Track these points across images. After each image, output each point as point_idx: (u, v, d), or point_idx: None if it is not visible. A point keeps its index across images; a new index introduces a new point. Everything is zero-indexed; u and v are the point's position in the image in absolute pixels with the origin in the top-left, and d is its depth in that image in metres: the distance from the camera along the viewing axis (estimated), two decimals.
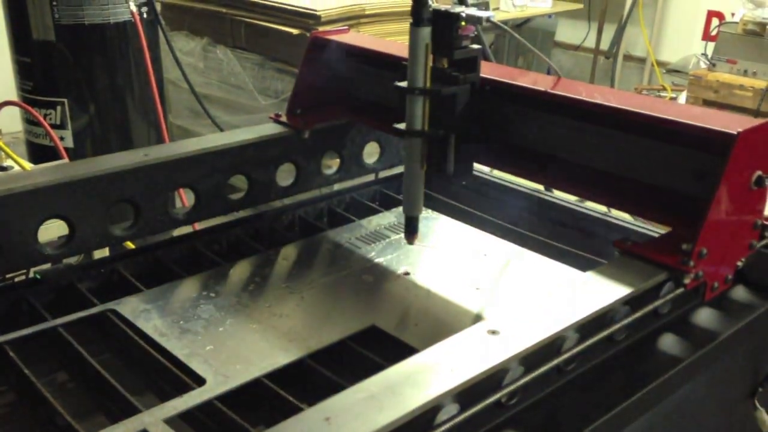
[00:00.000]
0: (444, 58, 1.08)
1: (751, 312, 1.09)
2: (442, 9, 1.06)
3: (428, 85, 1.07)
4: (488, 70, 1.20)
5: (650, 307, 0.96)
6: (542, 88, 1.15)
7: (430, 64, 1.07)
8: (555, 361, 0.85)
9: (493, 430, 0.82)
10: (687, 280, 0.97)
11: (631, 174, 1.12)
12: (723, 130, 0.96)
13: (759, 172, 1.00)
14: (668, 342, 1.01)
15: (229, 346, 1.01)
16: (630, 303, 0.93)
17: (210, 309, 1.10)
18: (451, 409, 0.75)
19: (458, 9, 1.06)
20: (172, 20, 3.63)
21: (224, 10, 3.41)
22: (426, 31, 1.05)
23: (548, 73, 1.21)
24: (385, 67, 1.34)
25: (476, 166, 1.44)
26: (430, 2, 1.05)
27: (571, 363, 0.89)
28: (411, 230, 1.18)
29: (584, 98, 1.10)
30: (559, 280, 1.20)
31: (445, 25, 1.06)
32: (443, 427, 0.74)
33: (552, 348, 0.85)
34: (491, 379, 0.78)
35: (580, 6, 5.33)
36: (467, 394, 0.76)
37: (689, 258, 0.96)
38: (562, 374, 0.89)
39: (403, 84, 1.09)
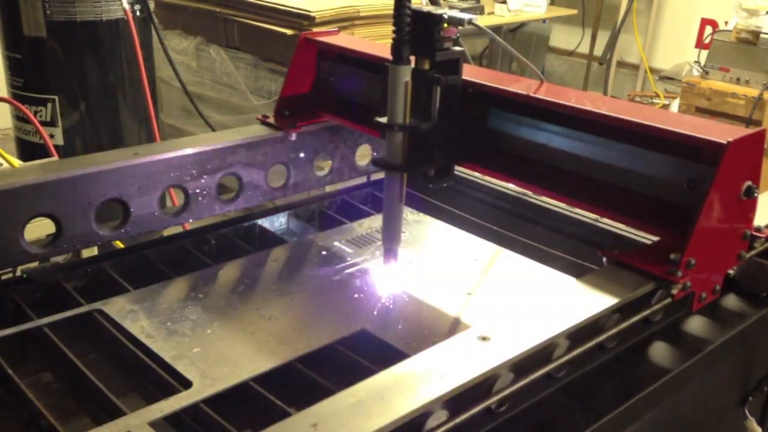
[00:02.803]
0: (425, 59, 1.08)
1: (742, 320, 1.09)
2: (424, 10, 1.06)
3: (408, 121, 1.08)
4: (479, 75, 1.20)
5: (640, 315, 0.96)
6: (531, 94, 1.14)
7: (410, 101, 1.08)
8: (545, 368, 0.85)
9: None
10: (675, 291, 0.97)
11: (619, 182, 1.12)
12: (713, 139, 0.96)
13: (748, 182, 1.00)
14: (659, 350, 1.00)
15: (216, 348, 1.00)
16: (620, 311, 0.93)
17: (198, 310, 1.09)
18: (441, 415, 0.74)
19: (440, 11, 1.06)
20: (166, 19, 3.62)
21: (218, 10, 3.40)
22: (406, 70, 1.06)
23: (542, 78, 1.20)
24: (374, 70, 1.33)
25: (467, 171, 1.45)
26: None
27: (562, 370, 0.88)
28: (390, 260, 1.18)
29: (573, 105, 1.10)
30: (550, 286, 1.19)
31: (427, 27, 1.05)
32: None
33: (542, 355, 0.84)
34: (481, 386, 0.78)
35: (575, 12, 5.35)
36: (457, 400, 0.75)
37: (677, 268, 0.95)
38: (553, 381, 0.89)
39: (383, 119, 1.09)
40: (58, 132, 2.45)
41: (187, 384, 0.92)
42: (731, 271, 1.09)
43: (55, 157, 2.01)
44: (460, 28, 1.07)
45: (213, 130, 2.87)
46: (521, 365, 0.81)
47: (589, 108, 1.09)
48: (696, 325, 1.06)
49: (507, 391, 0.80)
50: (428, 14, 1.04)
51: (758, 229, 1.08)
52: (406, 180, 1.13)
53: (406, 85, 1.06)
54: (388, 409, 0.70)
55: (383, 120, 1.09)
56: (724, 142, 0.94)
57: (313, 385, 0.94)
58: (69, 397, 0.97)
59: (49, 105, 2.42)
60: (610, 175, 1.13)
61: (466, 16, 1.05)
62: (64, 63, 2.40)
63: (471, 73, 1.19)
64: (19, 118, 2.49)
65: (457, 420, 0.75)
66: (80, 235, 1.16)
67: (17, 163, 1.84)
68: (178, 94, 3.34)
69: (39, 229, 1.17)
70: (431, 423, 0.73)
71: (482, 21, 3.69)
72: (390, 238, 1.17)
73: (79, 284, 1.16)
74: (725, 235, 1.03)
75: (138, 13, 2.47)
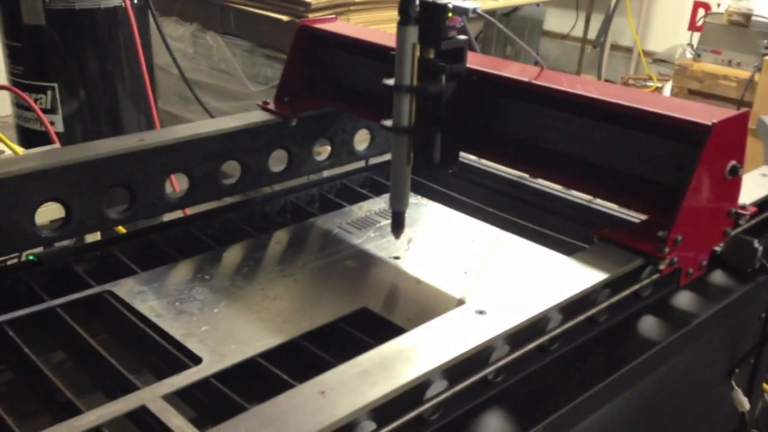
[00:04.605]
0: (431, 48, 1.10)
1: (728, 295, 1.12)
2: (430, 0, 1.08)
3: (415, 82, 1.10)
4: (474, 61, 1.23)
5: (630, 290, 1.00)
6: (526, 79, 1.18)
7: (417, 62, 1.09)
8: (539, 341, 0.89)
9: (479, 406, 0.85)
10: (662, 266, 1.00)
11: (611, 163, 1.15)
12: (698, 121, 0.99)
13: (733, 162, 1.04)
14: (648, 324, 1.04)
15: (224, 326, 1.04)
16: (610, 286, 0.97)
17: (205, 291, 1.13)
18: (440, 385, 0.78)
19: (445, 0, 1.09)
20: (162, 6, 3.62)
21: None
22: (413, 30, 1.07)
23: (535, 63, 1.23)
24: (372, 56, 1.36)
25: (464, 154, 1.49)
26: None
27: (555, 342, 0.92)
28: (397, 225, 1.21)
29: (567, 89, 1.13)
30: (542, 264, 1.23)
31: (432, 17, 1.08)
32: (432, 402, 0.77)
33: (536, 328, 0.88)
34: (478, 357, 0.82)
35: None
36: (455, 370, 0.79)
37: (664, 245, 0.99)
38: (546, 353, 0.93)
39: (390, 81, 1.11)
40: (58, 119, 2.47)
41: (197, 360, 0.96)
42: (718, 248, 1.13)
43: (57, 144, 2.04)
44: None
45: (211, 116, 2.89)
46: (516, 337, 0.85)
47: (581, 92, 1.12)
48: (683, 299, 1.10)
49: (503, 362, 0.84)
50: (434, 4, 1.07)
51: (743, 207, 1.12)
52: (412, 142, 1.14)
53: (414, 46, 1.08)
54: (391, 378, 0.74)
55: (390, 82, 1.11)
56: (709, 123, 0.98)
57: (318, 361, 0.98)
58: (83, 374, 1.01)
59: (49, 92, 2.44)
60: (602, 157, 1.17)
61: (470, 5, 1.08)
62: (64, 51, 2.42)
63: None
64: (20, 105, 2.51)
65: (456, 389, 0.79)
66: (89, 219, 1.19)
67: (20, 150, 1.87)
68: (175, 80, 3.35)
69: (46, 214, 1.20)
70: (431, 392, 0.77)
71: None
72: (398, 201, 1.19)
73: (89, 267, 1.19)
74: (711, 213, 1.07)
75: (135, 1, 2.49)
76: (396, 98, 1.11)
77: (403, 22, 1.07)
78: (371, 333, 1.03)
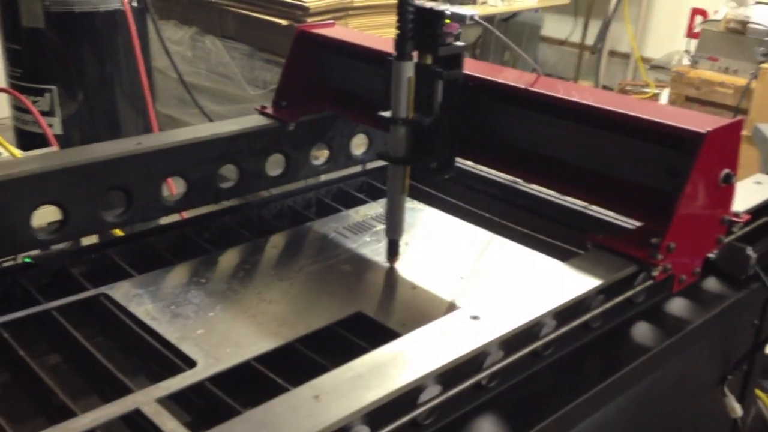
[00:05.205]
0: (428, 55, 1.11)
1: (721, 302, 1.13)
2: (427, 6, 1.09)
3: (411, 115, 1.12)
4: (471, 67, 1.24)
5: (623, 296, 1.00)
6: (522, 86, 1.18)
7: (413, 95, 1.11)
8: (533, 346, 0.89)
9: (473, 411, 0.86)
10: (655, 273, 1.01)
11: (606, 170, 1.16)
12: (692, 129, 1.00)
13: (727, 170, 1.04)
14: (641, 330, 1.05)
15: (219, 330, 1.04)
16: (604, 292, 0.97)
17: (200, 294, 1.13)
18: (434, 389, 0.78)
19: (443, 7, 1.10)
20: (161, 9, 3.63)
21: (213, 0, 3.42)
22: (409, 65, 1.10)
23: (533, 70, 1.24)
24: (370, 61, 1.37)
25: (460, 160, 1.49)
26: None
27: (549, 348, 0.93)
28: (393, 252, 1.23)
29: (562, 96, 1.14)
30: (537, 269, 1.24)
31: (429, 23, 1.09)
32: (426, 407, 0.78)
33: (530, 333, 0.89)
34: (472, 362, 0.82)
35: (567, 1, 5.37)
36: (449, 375, 0.79)
37: (658, 251, 0.99)
38: (540, 358, 0.93)
39: (387, 113, 1.13)
40: (56, 122, 2.47)
41: (191, 363, 0.96)
42: (711, 255, 1.14)
43: (55, 147, 2.04)
44: None
45: (209, 119, 2.90)
46: (510, 343, 0.85)
47: (576, 99, 1.13)
48: (677, 306, 1.10)
49: (496, 367, 0.85)
50: (431, 10, 1.08)
51: (737, 215, 1.12)
52: (408, 172, 1.17)
53: (409, 81, 1.10)
54: (385, 382, 0.74)
55: (387, 114, 1.13)
56: (703, 131, 0.99)
57: (312, 365, 0.98)
58: (78, 377, 1.01)
59: (48, 95, 2.44)
60: (596, 164, 1.17)
61: (468, 12, 1.09)
62: (63, 54, 2.42)
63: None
64: (18, 108, 2.51)
65: (450, 394, 0.80)
66: (85, 222, 1.19)
67: (18, 152, 1.87)
68: (173, 83, 3.36)
69: (42, 216, 1.21)
70: (425, 396, 0.78)
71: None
72: (393, 229, 1.21)
73: (85, 270, 1.20)
74: (704, 220, 1.08)
75: (135, 4, 2.49)
76: (392, 130, 1.14)
77: (399, 58, 1.10)
78: (366, 337, 1.04)
